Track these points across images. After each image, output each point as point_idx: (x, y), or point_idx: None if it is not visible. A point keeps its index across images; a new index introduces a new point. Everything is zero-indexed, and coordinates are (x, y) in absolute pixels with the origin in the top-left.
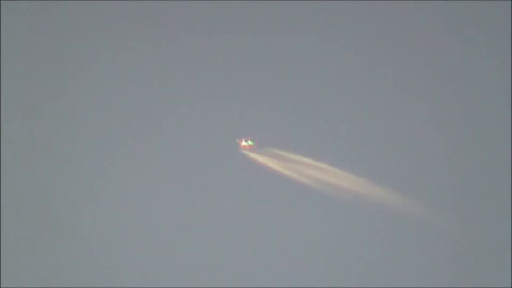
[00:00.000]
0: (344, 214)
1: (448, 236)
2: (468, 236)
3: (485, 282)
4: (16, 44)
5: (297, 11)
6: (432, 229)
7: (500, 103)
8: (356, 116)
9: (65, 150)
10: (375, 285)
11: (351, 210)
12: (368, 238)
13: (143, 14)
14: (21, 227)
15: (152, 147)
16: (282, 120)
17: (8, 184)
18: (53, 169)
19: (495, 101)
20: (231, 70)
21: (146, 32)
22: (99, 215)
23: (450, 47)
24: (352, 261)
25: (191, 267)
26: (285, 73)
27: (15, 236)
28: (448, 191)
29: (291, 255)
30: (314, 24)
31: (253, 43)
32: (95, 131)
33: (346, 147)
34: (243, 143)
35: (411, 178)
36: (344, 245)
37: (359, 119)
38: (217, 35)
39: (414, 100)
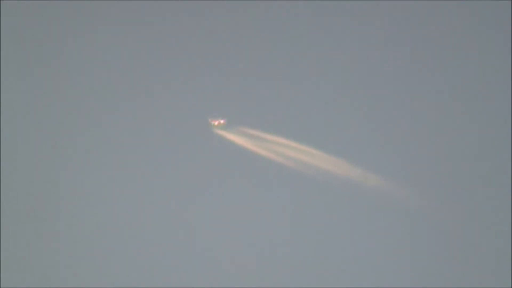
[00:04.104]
0: (322, 195)
1: (446, 234)
2: (467, 234)
3: (485, 282)
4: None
5: None
6: (431, 226)
7: (500, 101)
8: (333, 96)
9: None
10: (362, 275)
11: (328, 191)
12: (344, 219)
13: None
14: (20, 226)
15: (125, 130)
16: (254, 99)
17: (7, 182)
18: (49, 168)
19: (495, 98)
20: (202, 51)
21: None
22: (89, 214)
23: (450, 45)
24: (329, 242)
25: (172, 255)
26: (257, 53)
27: (15, 236)
28: (447, 186)
29: (265, 234)
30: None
31: (223, 22)
32: (82, 127)
33: (324, 127)
34: (216, 122)
35: (389, 158)
36: (320, 227)
37: (336, 99)
38: (185, 16)
39: (394, 80)
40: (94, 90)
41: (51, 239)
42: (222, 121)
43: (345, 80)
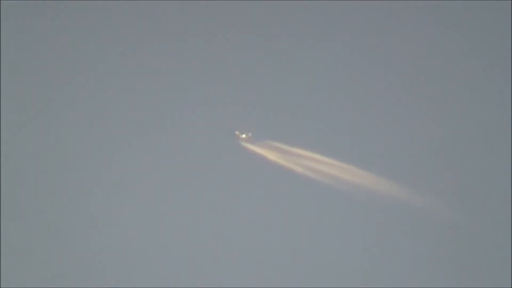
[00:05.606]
0: (347, 208)
1: (446, 234)
2: (467, 234)
3: (485, 282)
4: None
5: (293, 5)
6: (432, 226)
7: (500, 101)
8: (357, 108)
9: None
10: (374, 282)
11: (353, 203)
12: (370, 232)
13: (141, 13)
14: (21, 227)
15: (149, 141)
16: (281, 112)
17: (7, 183)
18: (52, 168)
19: (496, 98)
20: (228, 64)
21: (142, 32)
22: (98, 212)
23: (450, 45)
24: (353, 255)
25: (190, 263)
26: (284, 66)
27: (15, 236)
28: (449, 186)
29: (293, 249)
30: (311, 17)
31: (250, 36)
32: (93, 131)
33: (348, 139)
34: (242, 135)
35: (415, 171)
36: (345, 239)
37: (359, 111)
38: (211, 30)
39: (415, 92)
40: (106, 97)
41: (52, 239)
42: (249, 134)
43: (374, 94)
